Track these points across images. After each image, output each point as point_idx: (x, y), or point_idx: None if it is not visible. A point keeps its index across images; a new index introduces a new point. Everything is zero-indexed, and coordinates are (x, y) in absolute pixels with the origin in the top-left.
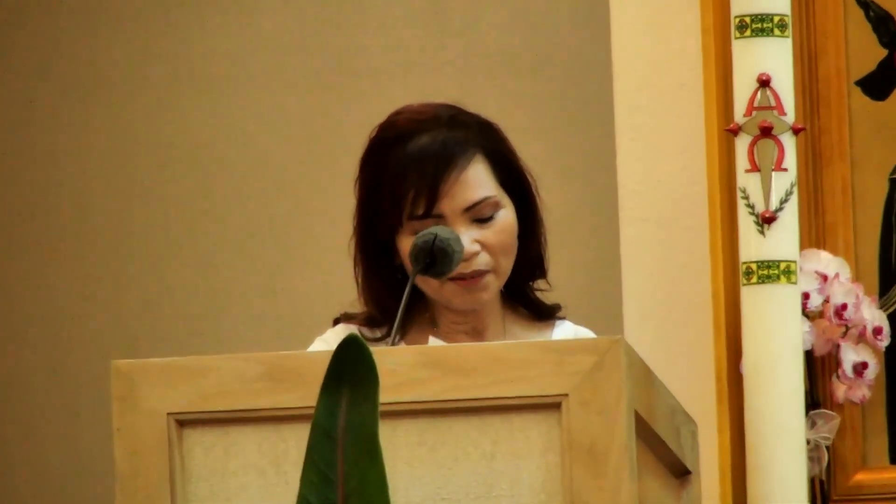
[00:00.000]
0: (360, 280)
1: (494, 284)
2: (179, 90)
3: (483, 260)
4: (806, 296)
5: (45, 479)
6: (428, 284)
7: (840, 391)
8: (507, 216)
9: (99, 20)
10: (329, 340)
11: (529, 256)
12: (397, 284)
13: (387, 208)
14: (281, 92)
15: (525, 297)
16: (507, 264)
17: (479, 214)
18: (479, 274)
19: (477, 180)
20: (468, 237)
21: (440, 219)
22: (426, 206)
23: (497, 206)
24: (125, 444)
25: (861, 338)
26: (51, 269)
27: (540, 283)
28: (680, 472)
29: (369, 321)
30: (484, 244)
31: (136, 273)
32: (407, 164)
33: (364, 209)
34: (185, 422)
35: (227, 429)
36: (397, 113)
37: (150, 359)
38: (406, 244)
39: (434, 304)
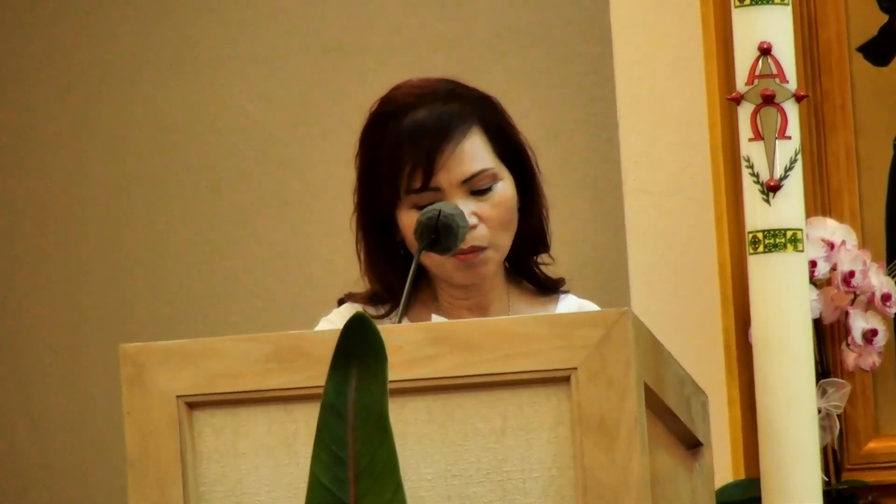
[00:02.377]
0: (362, 257)
1: (494, 259)
2: (178, 71)
3: (480, 233)
4: (813, 264)
5: (54, 463)
6: (430, 260)
7: (850, 359)
8: (505, 189)
9: (98, 2)
10: (334, 321)
11: (531, 230)
12: (399, 260)
13: (385, 182)
14: (280, 71)
15: (528, 272)
16: (505, 238)
17: (477, 187)
18: (477, 249)
19: (473, 153)
20: (466, 210)
21: (438, 192)
22: (423, 178)
23: (495, 178)
24: (135, 427)
25: (870, 305)
26: (52, 252)
27: (543, 258)
28: (691, 444)
29: (372, 298)
30: (482, 217)
31: (138, 256)
32: (404, 137)
33: (363, 184)
34: (194, 404)
35: (236, 410)
36: (397, 87)
37: (157, 342)
38: (406, 218)
39: (436, 280)
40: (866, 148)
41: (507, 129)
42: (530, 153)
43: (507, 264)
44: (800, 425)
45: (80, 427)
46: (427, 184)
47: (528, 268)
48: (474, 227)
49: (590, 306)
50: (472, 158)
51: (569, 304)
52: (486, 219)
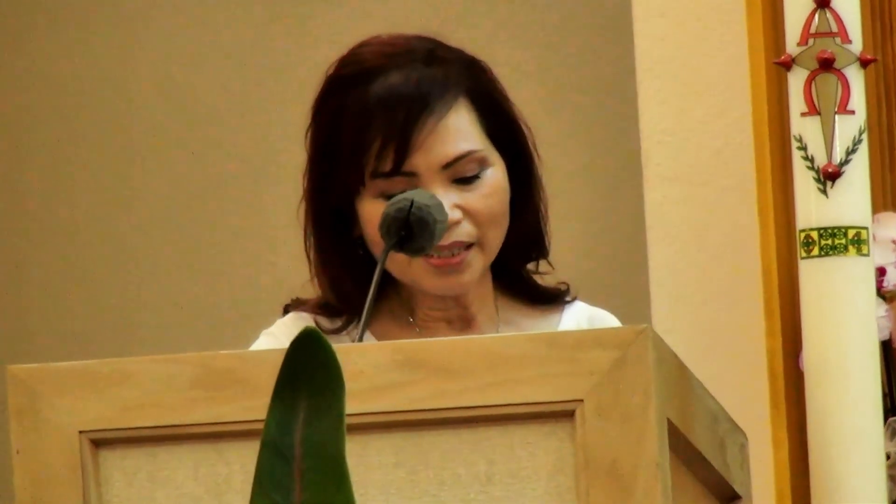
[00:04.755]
0: (312, 256)
1: (479, 262)
2: (83, 24)
3: (465, 230)
4: (881, 271)
5: None
6: (395, 262)
7: None
8: (496, 176)
9: None
10: (278, 334)
11: (525, 229)
12: (358, 262)
13: (345, 164)
14: (213, 23)
15: (521, 283)
16: (495, 236)
17: (462, 173)
18: (460, 248)
19: (459, 130)
20: (447, 201)
21: (412, 177)
22: (395, 160)
23: (484, 162)
24: (27, 469)
25: None
26: None
27: (540, 265)
28: (726, 497)
29: (326, 308)
30: (467, 210)
31: (33, 256)
32: (371, 108)
33: (317, 166)
34: (101, 441)
35: (153, 450)
36: (362, 45)
37: (55, 363)
38: (369, 209)
39: (406, 286)
40: None
41: (500, 101)
42: (527, 132)
43: (493, 270)
44: (863, 475)
45: None
46: (400, 167)
47: (520, 278)
48: (457, 222)
49: (605, 317)
50: (456, 137)
51: (577, 313)
52: (473, 213)
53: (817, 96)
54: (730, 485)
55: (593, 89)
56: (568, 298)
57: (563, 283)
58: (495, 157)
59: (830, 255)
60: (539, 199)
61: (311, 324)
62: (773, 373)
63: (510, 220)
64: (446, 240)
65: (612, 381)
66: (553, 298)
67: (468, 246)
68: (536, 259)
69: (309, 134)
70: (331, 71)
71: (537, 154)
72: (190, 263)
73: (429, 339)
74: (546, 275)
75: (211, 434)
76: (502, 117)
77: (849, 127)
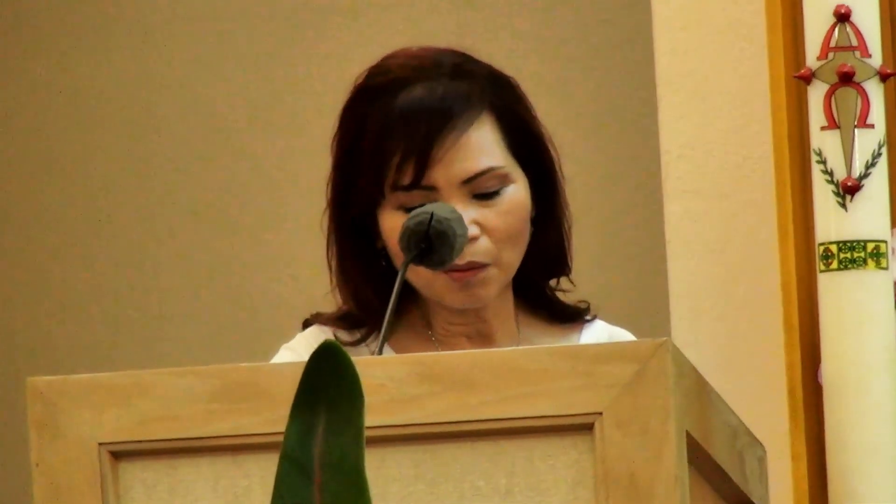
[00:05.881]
0: (333, 266)
1: (497, 279)
2: (105, 36)
3: (482, 247)
4: None
5: None
6: (417, 276)
7: None
8: (517, 194)
9: None
10: (298, 348)
11: (547, 246)
12: (380, 273)
13: (366, 174)
14: (234, 35)
15: (543, 299)
16: (512, 255)
17: (482, 189)
18: (476, 267)
19: (481, 146)
20: (465, 217)
21: (432, 191)
22: (414, 173)
23: (505, 179)
24: (46, 482)
25: None
26: None
27: (562, 283)
28: None
29: (345, 320)
30: (484, 227)
31: (51, 267)
32: (394, 119)
33: (340, 175)
34: (120, 454)
35: (174, 462)
36: (390, 56)
37: (74, 375)
38: (389, 221)
39: (426, 300)
40: None
41: (526, 119)
42: (553, 152)
43: (514, 286)
44: (883, 490)
45: None
46: (419, 180)
47: (542, 295)
48: (475, 238)
49: (623, 335)
50: (478, 153)
51: (596, 331)
52: (491, 230)
53: (837, 110)
54: (748, 498)
55: (613, 103)
56: (588, 317)
57: (584, 301)
58: (518, 174)
59: (849, 268)
60: (562, 217)
61: (331, 337)
62: (792, 386)
63: (533, 237)
64: (462, 258)
65: (632, 394)
66: (573, 316)
67: (484, 265)
68: (558, 276)
69: (333, 142)
70: (359, 80)
71: (562, 175)
72: (210, 275)
73: (448, 352)
74: (568, 292)
75: (230, 446)
76: (527, 134)
77: (868, 141)
